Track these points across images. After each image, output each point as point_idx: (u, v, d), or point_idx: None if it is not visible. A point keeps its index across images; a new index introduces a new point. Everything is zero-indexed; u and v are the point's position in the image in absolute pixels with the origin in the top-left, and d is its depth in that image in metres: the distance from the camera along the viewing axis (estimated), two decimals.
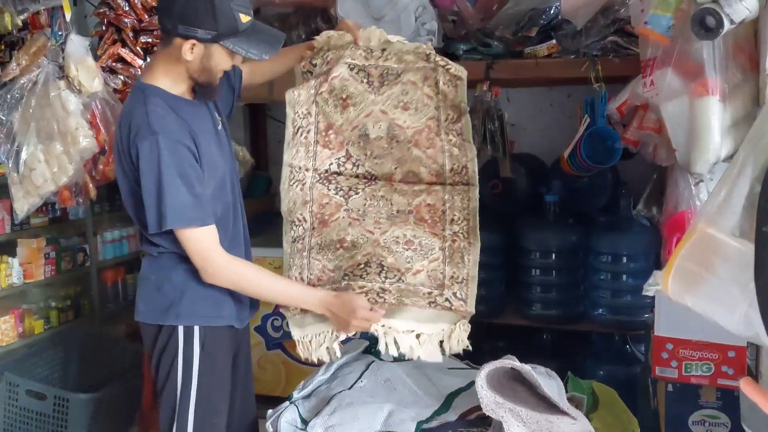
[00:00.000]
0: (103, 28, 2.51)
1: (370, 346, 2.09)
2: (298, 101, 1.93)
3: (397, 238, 1.94)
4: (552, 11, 2.59)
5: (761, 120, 1.01)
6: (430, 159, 1.97)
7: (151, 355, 1.82)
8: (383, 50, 1.95)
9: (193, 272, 1.73)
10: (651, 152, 2.29)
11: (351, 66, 1.94)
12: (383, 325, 1.81)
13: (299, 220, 1.95)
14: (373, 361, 2.02)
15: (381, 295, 1.87)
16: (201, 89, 1.75)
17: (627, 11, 2.29)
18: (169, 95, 1.71)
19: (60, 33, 2.28)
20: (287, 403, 1.89)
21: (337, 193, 1.97)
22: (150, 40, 2.50)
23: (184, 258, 1.73)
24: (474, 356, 2.23)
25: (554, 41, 2.54)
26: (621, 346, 2.81)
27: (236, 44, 1.65)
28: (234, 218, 1.86)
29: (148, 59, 2.51)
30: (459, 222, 2.01)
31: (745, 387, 0.84)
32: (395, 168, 1.98)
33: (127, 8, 2.45)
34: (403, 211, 1.97)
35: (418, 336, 1.85)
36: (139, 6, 2.45)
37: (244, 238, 1.92)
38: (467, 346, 1.87)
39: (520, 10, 2.62)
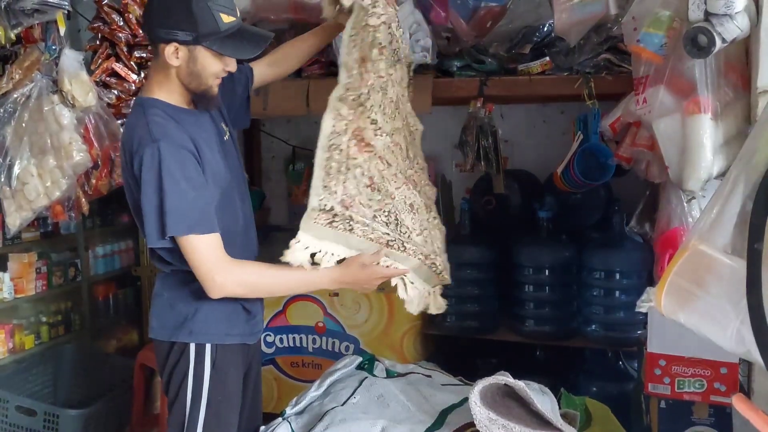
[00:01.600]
0: (97, 42, 2.51)
1: (362, 362, 2.08)
2: (356, 14, 1.88)
3: (405, 198, 1.87)
4: (545, 29, 2.61)
5: (753, 138, 1.02)
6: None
7: (162, 371, 1.81)
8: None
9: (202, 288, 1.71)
10: (644, 169, 2.30)
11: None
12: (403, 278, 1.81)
13: (341, 130, 1.80)
14: (366, 377, 2.00)
15: (402, 245, 1.80)
16: (197, 97, 1.73)
17: (620, 29, 2.31)
18: (169, 105, 1.70)
19: (54, 47, 2.28)
20: (280, 419, 1.88)
21: (371, 123, 1.84)
22: (144, 54, 2.50)
23: (190, 274, 1.68)
24: (467, 373, 2.22)
25: (548, 58, 2.56)
26: (614, 363, 2.81)
27: (218, 44, 1.63)
28: (243, 231, 1.84)
29: (143, 74, 2.51)
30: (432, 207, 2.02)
31: (738, 404, 0.84)
32: (398, 135, 1.93)
33: (122, 23, 2.45)
34: (408, 175, 1.93)
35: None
36: (134, 21, 2.46)
37: (253, 252, 1.89)
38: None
39: (514, 28, 2.65)
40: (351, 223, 1.71)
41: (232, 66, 1.72)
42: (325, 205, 1.70)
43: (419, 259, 1.83)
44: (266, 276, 1.72)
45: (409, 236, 1.82)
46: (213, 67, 1.67)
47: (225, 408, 1.79)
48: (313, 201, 1.72)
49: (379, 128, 1.83)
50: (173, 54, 1.63)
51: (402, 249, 1.78)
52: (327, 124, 1.78)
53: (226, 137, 1.82)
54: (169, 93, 1.71)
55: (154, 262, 1.79)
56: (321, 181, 1.73)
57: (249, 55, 1.70)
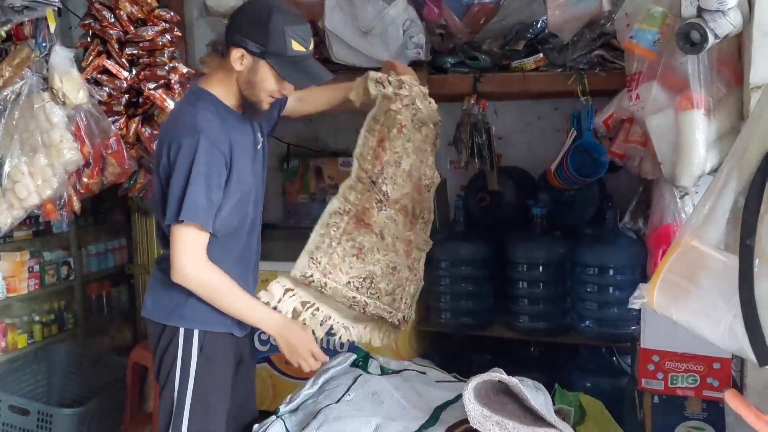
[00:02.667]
0: (88, 39, 2.49)
1: (357, 359, 2.08)
2: (379, 102, 2.02)
3: (389, 263, 2.03)
4: (539, 25, 2.61)
5: (745, 133, 1.02)
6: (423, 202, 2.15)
7: (154, 354, 1.89)
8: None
9: None
10: (637, 165, 2.31)
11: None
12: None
13: (344, 210, 1.98)
14: (360, 375, 2.00)
15: (362, 309, 1.97)
16: (247, 105, 1.82)
17: (613, 26, 2.32)
18: (220, 103, 1.79)
19: (44, 44, 2.26)
20: (274, 417, 1.87)
21: (376, 203, 2.01)
22: (136, 51, 2.48)
23: None
24: (461, 369, 2.22)
25: (541, 55, 2.56)
26: (608, 359, 2.82)
27: (280, 66, 1.72)
28: (249, 232, 1.92)
29: (134, 71, 2.50)
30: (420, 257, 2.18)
31: (730, 399, 0.84)
32: (406, 199, 2.08)
33: (113, 20, 2.44)
34: (404, 237, 2.08)
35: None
36: (125, 18, 2.44)
37: (255, 251, 1.99)
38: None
39: (508, 24, 2.64)
40: (325, 286, 1.90)
41: (288, 90, 1.81)
42: (308, 274, 1.89)
43: (376, 317, 2.01)
44: (227, 290, 1.78)
45: (378, 297, 2.00)
46: (270, 84, 1.76)
47: (212, 395, 1.85)
48: (299, 267, 1.90)
49: (385, 203, 2.00)
50: (239, 59, 1.73)
51: (362, 311, 1.97)
52: (333, 205, 1.97)
53: (259, 146, 1.91)
54: (225, 92, 1.80)
55: (159, 241, 1.92)
56: (309, 254, 1.92)
57: (304, 85, 1.83)
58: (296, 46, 1.71)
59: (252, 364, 2.12)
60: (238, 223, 1.86)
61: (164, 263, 1.84)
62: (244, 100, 1.81)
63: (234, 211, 1.81)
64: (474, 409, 1.55)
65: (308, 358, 1.84)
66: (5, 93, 2.21)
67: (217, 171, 1.72)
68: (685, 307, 0.99)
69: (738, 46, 1.85)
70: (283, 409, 1.90)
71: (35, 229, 3.13)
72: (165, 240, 1.83)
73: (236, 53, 1.72)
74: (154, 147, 1.84)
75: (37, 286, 3.10)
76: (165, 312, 1.84)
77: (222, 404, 1.88)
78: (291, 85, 1.78)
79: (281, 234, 3.17)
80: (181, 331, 1.82)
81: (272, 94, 1.79)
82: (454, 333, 2.96)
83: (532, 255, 2.73)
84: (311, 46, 1.77)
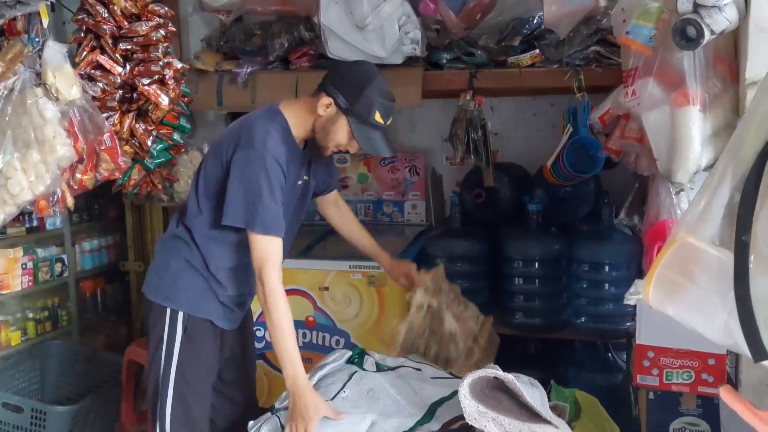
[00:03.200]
0: (82, 34, 2.47)
1: (352, 356, 2.07)
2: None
3: None
4: (535, 21, 2.61)
5: (741, 129, 1.01)
6: None
7: (146, 329, 2.05)
8: None
9: (191, 263, 1.96)
10: (633, 162, 2.31)
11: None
12: None
13: None
14: (356, 372, 2.00)
15: None
16: (312, 144, 1.98)
17: (609, 21, 2.32)
18: (289, 131, 1.94)
19: (37, 39, 2.24)
20: (269, 414, 1.87)
21: None
22: (129, 47, 2.46)
23: (189, 246, 1.97)
24: None
25: (537, 51, 2.56)
26: (603, 355, 2.82)
27: (356, 125, 1.89)
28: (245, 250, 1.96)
29: (128, 66, 2.48)
30: None
31: (725, 395, 0.84)
32: None
33: (106, 15, 2.41)
34: None
35: None
36: (119, 13, 2.42)
37: (248, 272, 2.03)
38: None
39: (504, 20, 2.64)
40: None
41: (353, 149, 1.97)
42: None
43: None
44: (287, 321, 1.85)
45: None
46: (341, 138, 1.93)
47: (196, 375, 1.97)
48: None
49: None
50: (324, 106, 1.90)
51: None
52: None
53: (300, 182, 2.03)
54: (297, 124, 1.96)
55: (173, 220, 2.06)
56: None
57: (369, 151, 1.96)
58: (378, 117, 1.88)
59: (248, 362, 2.22)
60: None
61: (164, 243, 2.04)
62: (312, 140, 1.97)
63: None
64: (470, 406, 1.55)
65: (302, 425, 1.74)
66: None
67: (281, 186, 1.87)
68: (681, 302, 0.98)
69: (734, 42, 1.85)
70: (278, 405, 1.90)
71: (29, 226, 3.12)
72: (183, 214, 2.00)
73: (325, 100, 1.89)
74: (222, 140, 1.97)
75: (30, 283, 3.09)
76: (155, 290, 2.00)
77: (205, 386, 2.01)
78: (356, 145, 1.94)
79: None
80: (168, 311, 1.96)
81: (339, 146, 1.96)
82: None
83: (527, 251, 2.73)
84: (389, 122, 1.93)
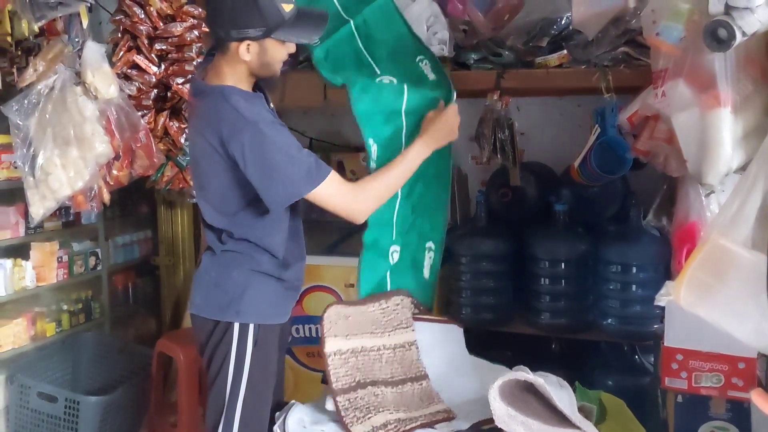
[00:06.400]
0: (119, 35, 2.53)
1: None
2: None
3: None
4: (563, 21, 2.60)
5: None
6: None
7: (204, 348, 1.89)
8: None
9: (255, 271, 1.84)
10: (661, 163, 2.29)
11: None
12: None
13: None
14: None
15: None
16: (264, 81, 1.87)
17: (638, 22, 2.30)
18: (243, 91, 1.80)
19: (77, 39, 2.31)
20: (293, 401, 1.91)
21: None
22: (165, 47, 2.52)
23: (246, 256, 1.83)
24: None
25: (565, 51, 2.55)
26: (630, 357, 2.80)
27: (285, 34, 1.74)
28: (293, 213, 1.92)
29: (163, 66, 2.53)
30: None
31: (757, 399, 0.85)
32: None
33: (143, 16, 2.47)
34: None
35: None
36: (155, 14, 2.48)
37: (299, 235, 2.00)
38: None
39: (532, 20, 2.64)
40: None
41: (292, 49, 1.82)
42: None
43: None
44: (384, 183, 1.88)
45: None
46: (280, 54, 1.80)
47: (263, 386, 1.87)
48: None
49: None
50: (246, 51, 1.74)
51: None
52: None
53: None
54: (239, 81, 1.81)
55: (210, 239, 1.90)
56: None
57: (313, 38, 1.83)
58: (287, 7, 1.72)
59: (284, 351, 2.15)
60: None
61: (212, 259, 1.88)
62: (259, 79, 1.85)
63: None
64: (499, 408, 1.56)
65: (455, 129, 2.00)
66: (39, 87, 2.26)
67: (289, 134, 1.77)
68: (713, 305, 0.99)
69: (765, 43, 1.84)
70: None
71: (64, 220, 3.19)
72: (213, 231, 1.87)
73: (242, 47, 1.73)
74: (204, 146, 1.81)
75: (65, 276, 3.16)
76: (218, 308, 1.84)
77: (270, 393, 1.91)
78: (293, 44, 1.80)
79: (304, 227, 3.20)
80: (236, 325, 1.82)
81: (283, 60, 1.83)
82: (474, 328, 2.96)
83: (554, 251, 2.72)
84: None
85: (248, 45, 1.73)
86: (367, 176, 1.91)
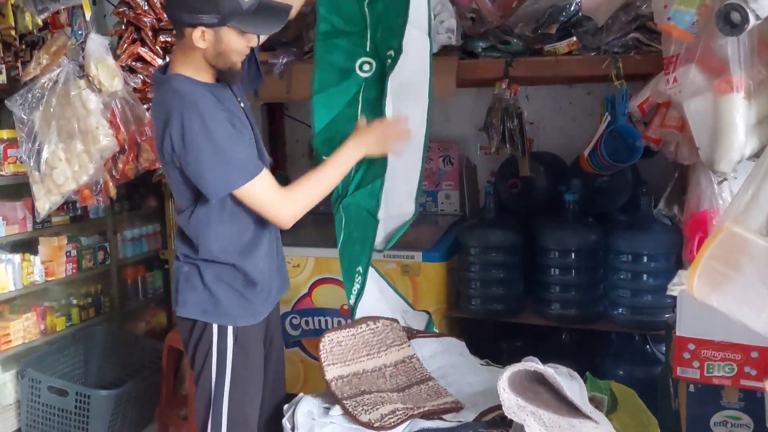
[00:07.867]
0: (123, 27, 2.52)
1: None
2: None
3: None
4: (572, 8, 2.56)
5: None
6: None
7: (187, 347, 1.88)
8: None
9: (225, 277, 1.80)
10: (672, 150, 2.26)
11: None
12: None
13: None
14: None
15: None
16: (222, 74, 1.78)
17: (649, 7, 2.26)
18: (194, 80, 1.75)
19: (80, 32, 2.30)
20: (302, 394, 1.90)
21: None
22: (169, 39, 2.50)
23: (215, 263, 1.79)
24: (492, 355, 2.22)
25: (574, 38, 2.51)
26: (640, 346, 2.78)
27: (242, 23, 1.67)
28: (257, 228, 1.87)
29: (168, 58, 2.52)
30: None
31: None
32: None
33: (147, 7, 2.46)
34: None
35: None
36: (158, 5, 2.46)
37: (278, 253, 1.98)
38: None
39: (540, 7, 2.60)
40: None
41: (254, 42, 1.77)
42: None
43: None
44: (313, 189, 1.81)
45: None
46: (238, 45, 1.72)
47: (248, 382, 1.85)
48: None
49: None
50: (200, 38, 1.68)
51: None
52: None
53: (242, 105, 1.88)
54: (195, 71, 1.75)
55: (180, 247, 1.85)
56: None
57: (273, 30, 1.76)
58: None
59: (281, 343, 2.12)
60: None
61: (184, 258, 1.84)
62: (218, 71, 1.77)
63: None
64: (509, 399, 1.54)
65: (391, 142, 1.92)
66: (43, 80, 2.26)
67: (229, 124, 1.70)
68: (726, 294, 0.97)
69: None
70: None
71: (72, 215, 3.20)
72: (183, 240, 1.84)
73: (195, 33, 1.67)
74: (158, 145, 1.77)
75: (74, 270, 3.18)
76: (197, 310, 1.81)
77: (257, 390, 1.89)
78: (254, 36, 1.75)
79: (310, 219, 3.19)
80: (215, 326, 1.81)
81: (242, 53, 1.75)
82: (485, 319, 2.95)
83: (564, 241, 2.70)
84: None
85: (203, 32, 1.67)
86: (295, 182, 1.82)
